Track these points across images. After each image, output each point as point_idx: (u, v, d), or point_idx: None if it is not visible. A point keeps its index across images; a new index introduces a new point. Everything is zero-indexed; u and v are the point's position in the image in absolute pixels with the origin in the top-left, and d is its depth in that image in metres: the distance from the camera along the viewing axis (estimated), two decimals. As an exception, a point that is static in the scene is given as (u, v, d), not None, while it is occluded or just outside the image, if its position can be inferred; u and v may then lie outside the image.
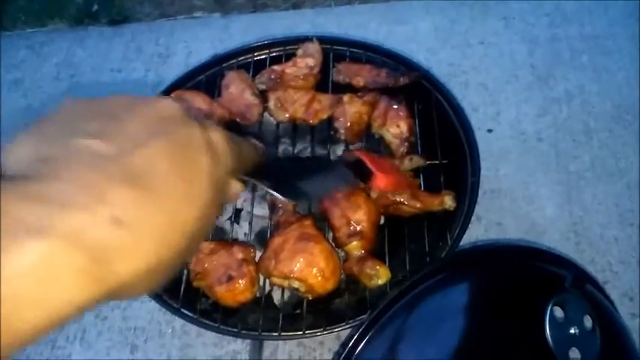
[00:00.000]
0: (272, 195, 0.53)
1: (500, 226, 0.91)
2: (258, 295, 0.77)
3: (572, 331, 0.64)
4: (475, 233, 0.90)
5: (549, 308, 0.64)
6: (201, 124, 0.33)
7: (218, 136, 0.35)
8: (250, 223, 0.83)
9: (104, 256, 0.26)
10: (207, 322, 0.74)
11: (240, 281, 0.72)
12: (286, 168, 0.71)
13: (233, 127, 0.90)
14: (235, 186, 0.40)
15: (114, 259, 0.26)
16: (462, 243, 0.78)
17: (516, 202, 0.93)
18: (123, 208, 0.27)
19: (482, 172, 0.83)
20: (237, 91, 0.90)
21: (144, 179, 0.28)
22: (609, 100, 1.03)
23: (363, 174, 0.77)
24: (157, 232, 0.28)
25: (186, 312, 0.75)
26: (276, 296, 0.81)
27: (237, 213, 0.89)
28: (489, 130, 1.01)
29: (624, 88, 1.04)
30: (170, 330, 0.86)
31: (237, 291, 0.72)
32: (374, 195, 0.77)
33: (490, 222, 0.91)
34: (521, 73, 1.07)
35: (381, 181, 0.76)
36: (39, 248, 0.24)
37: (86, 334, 0.87)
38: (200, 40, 1.20)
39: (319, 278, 0.71)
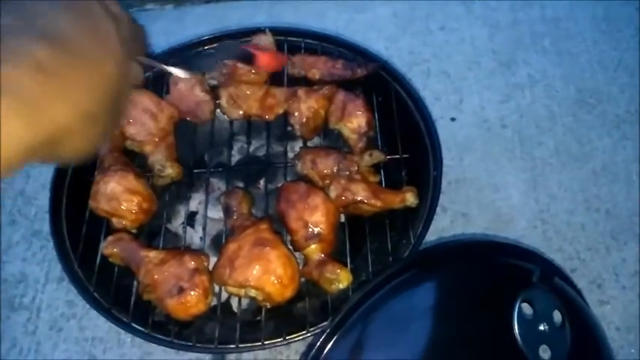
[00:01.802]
0: (168, 71, 0.54)
1: (466, 216, 0.87)
2: (215, 302, 0.72)
3: (541, 327, 0.60)
4: (441, 225, 0.86)
5: (517, 305, 0.60)
6: None
7: (114, 4, 0.38)
8: (204, 228, 0.77)
9: (36, 100, 0.29)
10: (160, 336, 0.68)
11: (192, 293, 0.66)
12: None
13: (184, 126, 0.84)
14: (136, 67, 0.42)
15: (46, 104, 0.30)
16: (427, 235, 0.74)
17: (482, 192, 0.89)
18: (45, 59, 0.30)
19: (447, 161, 0.79)
20: (187, 87, 0.83)
21: (57, 37, 0.31)
22: (572, 84, 0.99)
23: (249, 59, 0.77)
24: (81, 80, 0.32)
25: (136, 326, 0.69)
26: (235, 303, 0.75)
27: (191, 216, 0.83)
28: (452, 119, 0.97)
29: (587, 72, 1.00)
30: (130, 339, 0.80)
31: (190, 303, 0.66)
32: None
33: (456, 213, 0.87)
34: (483, 59, 1.03)
35: (261, 60, 0.76)
36: None
37: (41, 347, 0.80)
38: (152, 34, 1.11)
39: (277, 286, 0.65)
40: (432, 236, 0.83)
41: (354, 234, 0.75)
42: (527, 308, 0.61)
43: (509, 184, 0.90)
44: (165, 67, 0.53)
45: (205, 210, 0.78)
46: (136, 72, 0.42)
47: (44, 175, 0.94)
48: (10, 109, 0.27)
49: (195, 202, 0.84)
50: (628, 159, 0.91)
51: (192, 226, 0.83)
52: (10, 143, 0.28)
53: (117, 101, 0.36)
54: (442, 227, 0.86)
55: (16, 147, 0.28)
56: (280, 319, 0.72)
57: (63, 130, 0.31)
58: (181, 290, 0.66)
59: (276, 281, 0.65)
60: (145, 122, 0.79)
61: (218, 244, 0.79)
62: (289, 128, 0.81)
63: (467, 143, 0.94)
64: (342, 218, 0.76)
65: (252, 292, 0.67)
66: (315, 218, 0.69)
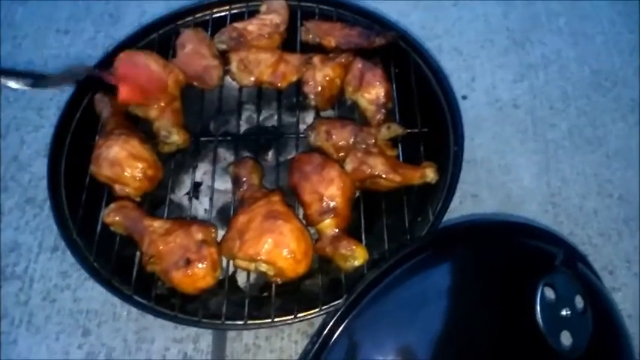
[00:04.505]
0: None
1: (476, 197, 0.84)
2: (221, 277, 0.67)
3: (563, 312, 0.57)
4: (449, 205, 0.81)
5: (540, 289, 0.57)
6: None
7: None
8: (211, 199, 0.71)
9: None
10: (164, 309, 0.63)
11: (199, 265, 0.60)
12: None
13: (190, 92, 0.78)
14: None
15: None
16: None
17: (492, 173, 0.86)
18: None
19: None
20: (194, 51, 0.76)
21: None
22: (587, 65, 0.95)
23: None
24: None
25: (139, 299, 0.64)
26: (242, 278, 0.70)
27: (196, 187, 0.78)
28: (464, 97, 0.92)
29: (602, 54, 0.96)
30: (126, 312, 0.75)
31: (197, 276, 0.60)
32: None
33: (465, 193, 0.83)
34: (497, 36, 0.98)
35: (124, 94, 0.69)
36: None
37: (33, 318, 0.75)
38: (154, -2, 1.05)
39: (290, 261, 0.60)
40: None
41: (369, 210, 0.70)
42: (549, 292, 0.57)
43: (520, 165, 0.86)
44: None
45: (212, 180, 0.72)
46: None
47: (39, 141, 0.88)
48: None
49: (201, 172, 0.79)
50: (643, 144, 0.87)
51: (197, 198, 0.78)
52: None
53: None
54: (451, 208, 0.80)
55: None
56: (289, 295, 0.67)
57: None
58: (188, 262, 0.60)
59: (289, 256, 0.60)
60: (151, 85, 0.73)
61: (224, 216, 0.73)
62: (302, 98, 0.75)
63: (478, 122, 0.90)
64: (357, 193, 0.71)
65: (263, 267, 0.62)
66: (330, 192, 0.64)
